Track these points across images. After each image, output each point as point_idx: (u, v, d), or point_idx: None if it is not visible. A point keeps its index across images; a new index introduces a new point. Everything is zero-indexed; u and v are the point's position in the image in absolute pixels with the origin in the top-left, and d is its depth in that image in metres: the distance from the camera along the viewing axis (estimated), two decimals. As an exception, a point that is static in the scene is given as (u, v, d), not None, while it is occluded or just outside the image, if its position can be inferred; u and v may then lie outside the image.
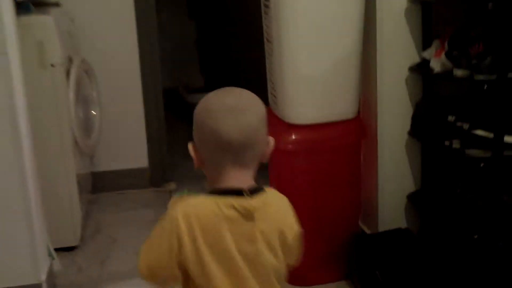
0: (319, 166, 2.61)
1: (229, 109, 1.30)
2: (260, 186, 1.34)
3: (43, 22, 2.74)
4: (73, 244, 3.03)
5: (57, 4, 3.07)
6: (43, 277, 2.57)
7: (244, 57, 4.07)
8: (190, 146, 1.35)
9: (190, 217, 1.25)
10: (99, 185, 3.56)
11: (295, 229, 1.39)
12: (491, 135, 2.24)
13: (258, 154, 1.33)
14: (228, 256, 1.28)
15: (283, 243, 1.36)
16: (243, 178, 1.32)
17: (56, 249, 2.80)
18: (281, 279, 1.40)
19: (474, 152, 2.28)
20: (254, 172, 1.35)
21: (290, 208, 1.41)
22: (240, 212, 1.28)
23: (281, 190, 2.60)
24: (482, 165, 2.28)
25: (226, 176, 1.31)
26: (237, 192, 1.29)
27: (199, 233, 1.26)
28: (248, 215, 1.29)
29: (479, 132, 2.28)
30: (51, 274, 2.67)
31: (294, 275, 2.63)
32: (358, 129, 2.66)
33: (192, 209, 1.27)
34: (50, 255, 2.69)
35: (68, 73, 2.93)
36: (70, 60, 3.00)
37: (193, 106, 3.04)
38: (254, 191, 1.31)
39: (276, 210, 1.37)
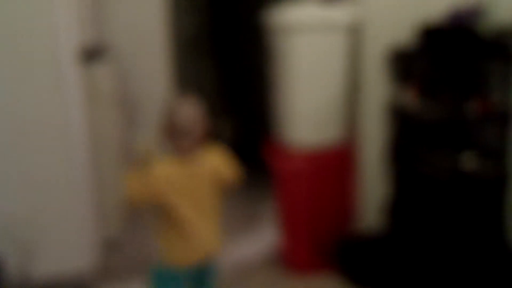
0: (317, 182, 2.93)
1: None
2: (199, 151, 2.10)
3: (101, 66, 3.10)
4: (120, 235, 3.29)
5: (111, 51, 3.42)
6: (94, 262, 2.86)
7: (254, 91, 4.38)
8: (159, 129, 2.07)
9: (162, 173, 2.04)
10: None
11: (222, 164, 2.17)
12: (450, 159, 2.57)
13: (196, 138, 2.06)
14: (184, 192, 2.07)
15: (218, 176, 2.15)
16: (188, 148, 2.06)
17: (105, 238, 3.08)
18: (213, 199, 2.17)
19: (436, 174, 2.61)
20: (196, 144, 2.08)
21: (220, 155, 2.18)
22: (188, 169, 2.08)
23: (286, 202, 2.93)
24: (442, 184, 2.58)
25: (178, 146, 2.06)
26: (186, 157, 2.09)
27: (169, 182, 2.04)
28: (192, 172, 2.08)
29: (442, 157, 2.62)
30: (100, 260, 2.97)
31: (297, 264, 2.97)
32: (347, 154, 3.02)
33: (163, 169, 2.05)
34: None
35: (118, 104, 3.30)
36: (120, 93, 3.38)
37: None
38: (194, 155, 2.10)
39: (210, 160, 2.14)
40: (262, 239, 3.41)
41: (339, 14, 2.83)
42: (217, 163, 2.17)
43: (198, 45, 3.15)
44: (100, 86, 3.07)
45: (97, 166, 3.06)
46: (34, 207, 2.75)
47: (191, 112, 2.07)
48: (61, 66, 2.63)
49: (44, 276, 2.78)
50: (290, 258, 3.08)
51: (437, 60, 2.74)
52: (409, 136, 2.83)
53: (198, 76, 2.85)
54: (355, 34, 2.87)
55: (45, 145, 2.70)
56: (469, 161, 2.56)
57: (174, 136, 2.06)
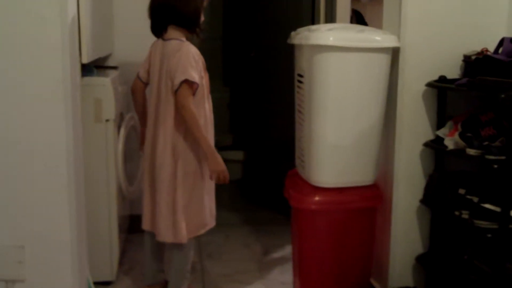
0: (338, 225, 2.56)
1: None
2: None
3: (102, 83, 2.73)
4: (109, 279, 2.92)
5: (115, 68, 3.09)
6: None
7: (271, 121, 4.03)
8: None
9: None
10: (135, 226, 3.49)
11: None
12: (498, 209, 2.19)
13: None
14: None
15: None
16: None
17: (94, 283, 2.71)
18: None
19: (481, 223, 2.23)
20: None
21: None
22: None
23: (302, 245, 2.57)
24: (489, 235, 2.23)
25: None
26: None
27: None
28: None
29: (488, 206, 2.23)
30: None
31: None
32: (375, 195, 2.61)
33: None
34: (89, 287, 2.62)
35: (119, 128, 2.92)
36: (121, 117, 2.99)
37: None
38: None
39: None
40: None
41: (379, 39, 2.42)
42: None
43: (210, 70, 2.92)
44: (101, 103, 2.72)
45: (90, 200, 2.70)
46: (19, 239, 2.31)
47: None
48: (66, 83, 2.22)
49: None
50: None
51: (486, 95, 2.42)
52: (450, 180, 2.48)
53: (213, 103, 2.61)
54: (394, 62, 2.47)
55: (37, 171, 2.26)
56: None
57: None
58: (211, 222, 2.62)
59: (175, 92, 2.37)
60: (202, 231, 2.59)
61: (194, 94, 2.39)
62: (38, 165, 2.26)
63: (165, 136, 2.46)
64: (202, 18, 2.50)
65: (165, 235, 2.51)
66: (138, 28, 2.78)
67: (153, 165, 2.52)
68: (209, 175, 2.50)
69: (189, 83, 2.35)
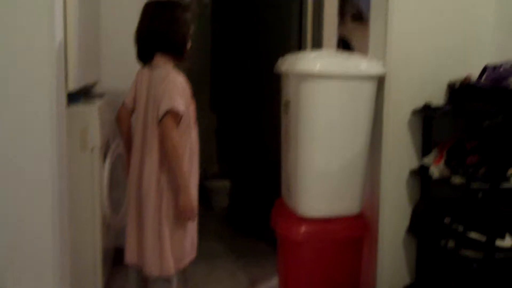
0: (324, 256, 2.54)
1: None
2: None
3: (89, 111, 2.72)
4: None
5: (101, 96, 3.09)
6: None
7: (258, 149, 4.04)
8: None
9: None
10: (120, 259, 3.44)
11: None
12: (484, 238, 2.20)
13: None
14: None
15: None
16: None
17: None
18: None
19: (467, 253, 2.22)
20: None
21: None
22: None
23: (289, 276, 2.55)
24: (474, 265, 2.23)
25: None
26: None
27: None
28: None
29: (473, 235, 2.23)
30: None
31: None
32: (361, 225, 2.60)
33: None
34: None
35: (105, 155, 2.91)
36: (107, 144, 2.98)
37: (209, 190, 2.96)
38: None
39: None
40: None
41: (365, 67, 2.46)
42: None
43: (197, 95, 2.95)
44: (87, 131, 2.72)
45: (75, 230, 2.66)
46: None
47: None
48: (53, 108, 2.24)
49: None
50: None
51: (471, 122, 2.45)
52: (436, 208, 2.47)
53: (200, 130, 2.62)
54: (379, 89, 2.50)
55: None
56: (507, 241, 2.18)
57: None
58: (191, 254, 2.58)
59: (159, 121, 2.36)
60: (181, 265, 2.55)
61: (178, 123, 2.38)
62: (22, 194, 2.24)
63: (151, 165, 2.43)
64: (189, 45, 2.51)
65: (152, 268, 2.47)
66: (126, 55, 2.78)
67: (139, 192, 2.50)
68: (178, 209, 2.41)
69: (173, 114, 2.34)
